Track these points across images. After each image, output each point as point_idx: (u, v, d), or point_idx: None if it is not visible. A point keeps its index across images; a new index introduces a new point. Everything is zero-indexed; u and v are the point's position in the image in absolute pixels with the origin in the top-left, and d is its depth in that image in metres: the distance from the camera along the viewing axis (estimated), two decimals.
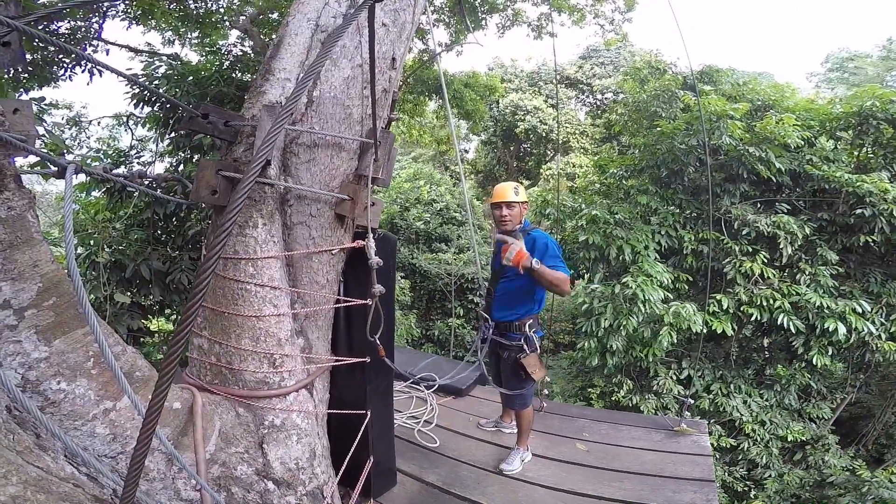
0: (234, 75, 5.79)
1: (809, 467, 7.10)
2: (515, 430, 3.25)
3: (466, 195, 3.55)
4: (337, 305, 2.26)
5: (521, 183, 17.46)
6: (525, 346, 2.90)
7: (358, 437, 2.30)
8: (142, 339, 5.58)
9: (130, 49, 8.25)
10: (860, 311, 6.10)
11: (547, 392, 4.13)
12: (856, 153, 7.28)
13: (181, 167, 5.59)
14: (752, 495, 6.85)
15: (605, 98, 16.18)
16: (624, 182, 7.81)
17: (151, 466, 1.53)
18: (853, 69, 17.02)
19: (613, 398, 7.31)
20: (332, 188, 2.09)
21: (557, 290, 2.70)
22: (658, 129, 7.48)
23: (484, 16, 10.27)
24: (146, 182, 2.06)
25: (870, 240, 6.33)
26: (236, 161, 1.94)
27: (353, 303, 2.26)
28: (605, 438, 3.57)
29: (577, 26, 10.80)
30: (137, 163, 5.80)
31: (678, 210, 7.18)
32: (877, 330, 6.13)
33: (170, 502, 1.54)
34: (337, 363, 2.31)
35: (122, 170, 5.76)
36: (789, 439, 6.87)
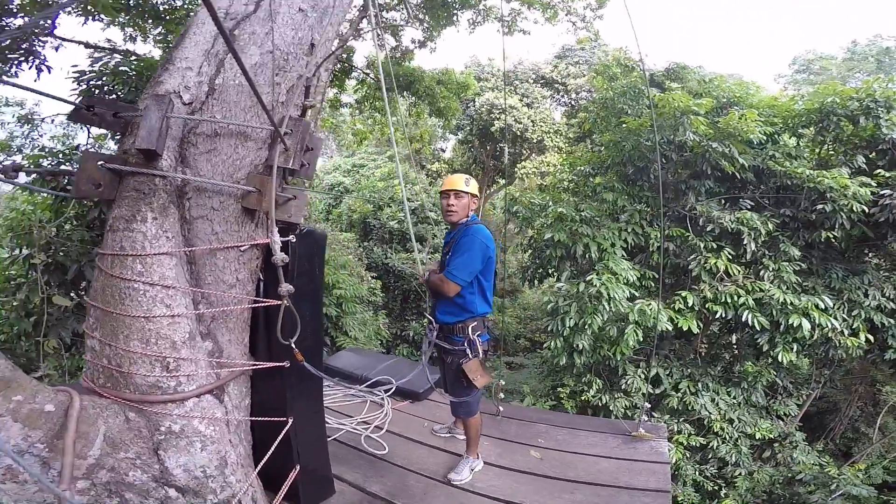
0: None
1: (779, 464, 7.16)
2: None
3: (399, 168, 3.47)
4: (250, 306, 2.15)
5: (497, 182, 17.44)
6: (468, 351, 2.77)
7: (275, 444, 2.19)
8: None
9: (87, 45, 7.95)
10: (823, 307, 6.11)
11: (502, 396, 4.03)
12: (817, 150, 7.34)
13: None
14: (723, 494, 6.84)
15: (580, 98, 16.25)
16: (591, 179, 7.78)
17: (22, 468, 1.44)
18: (818, 70, 17.41)
19: (583, 398, 7.26)
20: (237, 179, 1.98)
21: (441, 293, 2.76)
22: (624, 125, 7.46)
23: (456, 11, 10.20)
24: (25, 175, 1.91)
25: (831, 236, 6.37)
26: (126, 153, 1.83)
27: (266, 303, 2.13)
28: (560, 445, 3.46)
29: (549, 23, 10.80)
30: None
31: (645, 207, 7.16)
32: (840, 325, 6.16)
33: None
34: (254, 368, 2.20)
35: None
36: (758, 437, 6.89)
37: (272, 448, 2.14)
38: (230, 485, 1.88)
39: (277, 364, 2.17)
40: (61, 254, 4.57)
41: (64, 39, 6.93)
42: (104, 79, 5.32)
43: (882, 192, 6.15)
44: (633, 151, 7.29)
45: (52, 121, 7.90)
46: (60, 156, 5.62)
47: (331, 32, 2.41)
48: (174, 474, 1.72)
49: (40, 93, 1.60)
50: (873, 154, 6.80)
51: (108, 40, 8.35)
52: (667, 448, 3.43)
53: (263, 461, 2.07)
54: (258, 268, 2.15)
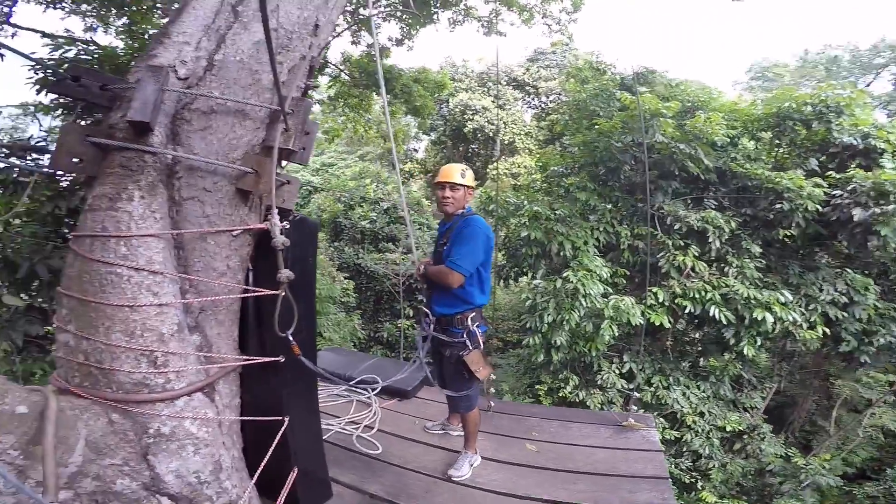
0: None
1: (749, 456, 7.37)
2: (463, 433, 3.08)
3: (399, 179, 3.41)
4: (241, 296, 2.04)
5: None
6: (468, 343, 2.73)
7: (273, 446, 2.08)
8: (47, 347, 5.06)
9: (44, 35, 7.51)
10: (783, 301, 6.41)
11: (494, 391, 4.01)
12: (774, 153, 7.75)
13: None
14: (699, 486, 6.99)
15: (550, 100, 16.60)
16: (564, 180, 7.93)
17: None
18: (772, 77, 18.42)
19: (560, 394, 7.34)
20: (233, 160, 1.87)
21: (444, 284, 2.69)
22: (596, 127, 7.64)
23: (436, 10, 10.17)
24: None
25: (787, 234, 6.72)
26: (112, 128, 1.69)
27: (260, 293, 2.03)
28: (554, 437, 3.48)
29: (525, 26, 10.90)
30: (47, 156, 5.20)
31: (615, 207, 7.35)
32: (799, 319, 6.47)
33: None
34: (245, 363, 2.08)
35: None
36: (728, 429, 7.10)
37: (270, 450, 2.04)
38: (226, 491, 1.76)
39: (273, 359, 2.06)
40: (11, 250, 4.24)
41: (20, 27, 6.50)
42: (64, 68, 5.01)
43: (833, 193, 6.55)
44: (604, 153, 7.47)
45: (0, 112, 7.35)
46: (4, 150, 5.23)
47: (335, 15, 2.35)
48: (166, 481, 1.59)
49: (21, 54, 1.47)
50: (824, 157, 7.22)
51: (67, 30, 7.89)
52: (657, 437, 3.49)
53: (263, 464, 1.96)
54: (249, 255, 2.04)
